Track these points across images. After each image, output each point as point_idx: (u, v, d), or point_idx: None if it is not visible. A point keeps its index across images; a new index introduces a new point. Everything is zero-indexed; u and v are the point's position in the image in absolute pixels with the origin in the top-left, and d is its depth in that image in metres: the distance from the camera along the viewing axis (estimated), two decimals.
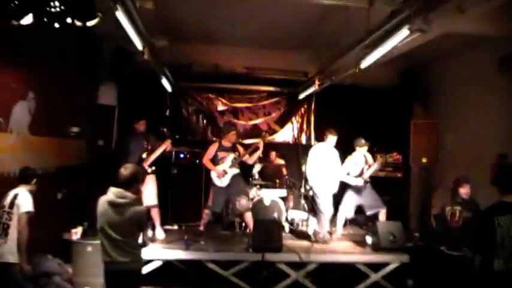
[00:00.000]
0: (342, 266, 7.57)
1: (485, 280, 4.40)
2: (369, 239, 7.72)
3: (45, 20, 3.75)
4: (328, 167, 8.11)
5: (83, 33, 7.38)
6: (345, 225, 9.09)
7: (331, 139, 8.18)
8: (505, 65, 7.60)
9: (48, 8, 3.69)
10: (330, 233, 8.34)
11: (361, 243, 7.99)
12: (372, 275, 7.29)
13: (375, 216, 8.38)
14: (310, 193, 8.38)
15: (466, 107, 8.90)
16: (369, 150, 8.44)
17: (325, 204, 8.09)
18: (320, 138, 8.72)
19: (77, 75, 8.11)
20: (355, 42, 6.33)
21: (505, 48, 7.56)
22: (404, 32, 5.05)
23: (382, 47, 5.79)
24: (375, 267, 7.35)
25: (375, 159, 8.28)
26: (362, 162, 8.29)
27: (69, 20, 3.83)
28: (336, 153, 8.23)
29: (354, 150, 8.41)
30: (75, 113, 8.06)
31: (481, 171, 7.69)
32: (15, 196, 5.18)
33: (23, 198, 5.19)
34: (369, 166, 8.20)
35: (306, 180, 8.32)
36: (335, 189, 8.23)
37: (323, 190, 8.10)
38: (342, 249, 7.82)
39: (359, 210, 8.57)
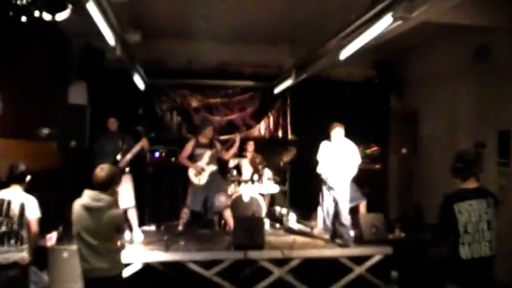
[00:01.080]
0: (325, 260, 7.50)
1: (453, 268, 4.35)
2: (351, 232, 7.64)
3: (10, 13, 3.51)
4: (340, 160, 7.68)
5: (51, 30, 7.15)
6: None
7: (335, 133, 7.71)
8: (481, 54, 7.60)
9: (14, 1, 3.46)
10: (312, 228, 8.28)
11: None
12: (356, 268, 7.26)
13: (355, 209, 8.30)
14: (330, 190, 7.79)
15: (443, 96, 8.90)
16: None
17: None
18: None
19: (45, 74, 7.86)
20: (335, 31, 6.21)
21: (480, 37, 7.56)
22: (387, 20, 4.94)
23: (363, 37, 5.68)
24: (358, 260, 7.32)
25: None
26: None
27: (36, 13, 3.59)
28: (344, 145, 7.70)
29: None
30: (45, 114, 7.81)
31: None
32: (23, 206, 5.04)
33: (31, 206, 5.11)
34: None
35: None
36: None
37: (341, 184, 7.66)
38: (324, 243, 7.73)
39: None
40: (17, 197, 5.09)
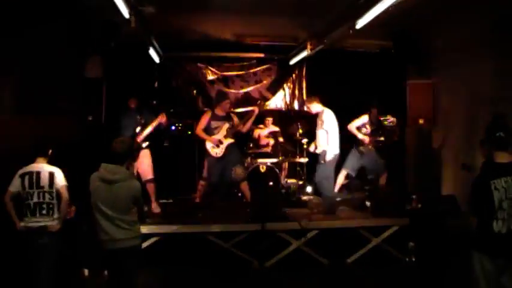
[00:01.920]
0: (343, 231, 7.52)
1: (485, 241, 4.32)
2: (368, 204, 7.65)
3: None
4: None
5: (67, 4, 7.14)
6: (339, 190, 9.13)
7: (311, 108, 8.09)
8: (503, 24, 7.44)
9: None
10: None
11: (360, 208, 7.93)
12: (373, 239, 7.28)
13: (373, 181, 8.31)
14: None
15: (461, 68, 8.76)
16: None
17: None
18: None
19: (62, 49, 7.87)
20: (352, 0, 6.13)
21: (503, 6, 7.39)
22: None
23: (380, 5, 5.59)
24: (376, 231, 7.33)
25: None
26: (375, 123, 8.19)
27: None
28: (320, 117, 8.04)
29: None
30: (62, 89, 7.83)
31: (477, 132, 7.61)
32: (52, 175, 5.25)
33: (59, 175, 5.32)
34: (377, 128, 8.09)
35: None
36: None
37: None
38: (342, 214, 7.74)
39: (357, 175, 8.51)
40: (44, 168, 5.28)
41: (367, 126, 8.21)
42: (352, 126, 8.23)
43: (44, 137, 5.51)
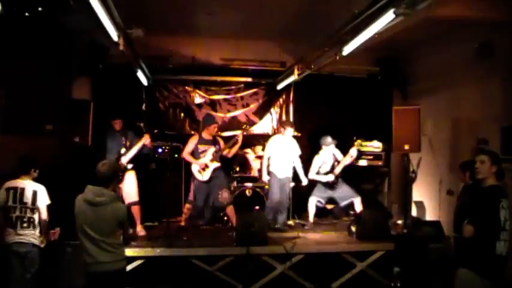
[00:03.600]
0: (328, 256, 7.51)
1: (486, 263, 4.31)
2: (353, 228, 7.66)
3: (14, 9, 3.52)
4: (286, 157, 8.39)
5: (55, 26, 7.17)
6: (325, 215, 9.15)
7: (289, 131, 8.48)
8: (485, 50, 7.57)
9: None
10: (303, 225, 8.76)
11: (345, 232, 7.95)
12: (358, 264, 7.26)
13: (351, 206, 8.38)
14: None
15: (445, 93, 8.88)
16: (349, 140, 8.40)
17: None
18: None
19: (49, 70, 7.87)
20: (338, 27, 6.21)
21: (484, 33, 7.54)
22: (388, 16, 4.94)
23: (366, 32, 5.68)
24: (361, 256, 7.31)
25: (352, 146, 8.22)
26: (330, 159, 8.29)
27: (39, 9, 3.61)
28: (294, 144, 8.59)
29: (320, 148, 8.45)
30: (49, 109, 7.81)
31: (460, 157, 7.68)
32: (35, 193, 5.44)
33: (42, 193, 5.53)
34: (338, 162, 8.20)
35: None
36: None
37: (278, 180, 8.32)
38: (326, 239, 7.75)
39: (334, 201, 8.59)
40: (28, 185, 5.44)
41: (324, 165, 8.36)
42: (312, 174, 8.39)
43: (28, 157, 5.66)
